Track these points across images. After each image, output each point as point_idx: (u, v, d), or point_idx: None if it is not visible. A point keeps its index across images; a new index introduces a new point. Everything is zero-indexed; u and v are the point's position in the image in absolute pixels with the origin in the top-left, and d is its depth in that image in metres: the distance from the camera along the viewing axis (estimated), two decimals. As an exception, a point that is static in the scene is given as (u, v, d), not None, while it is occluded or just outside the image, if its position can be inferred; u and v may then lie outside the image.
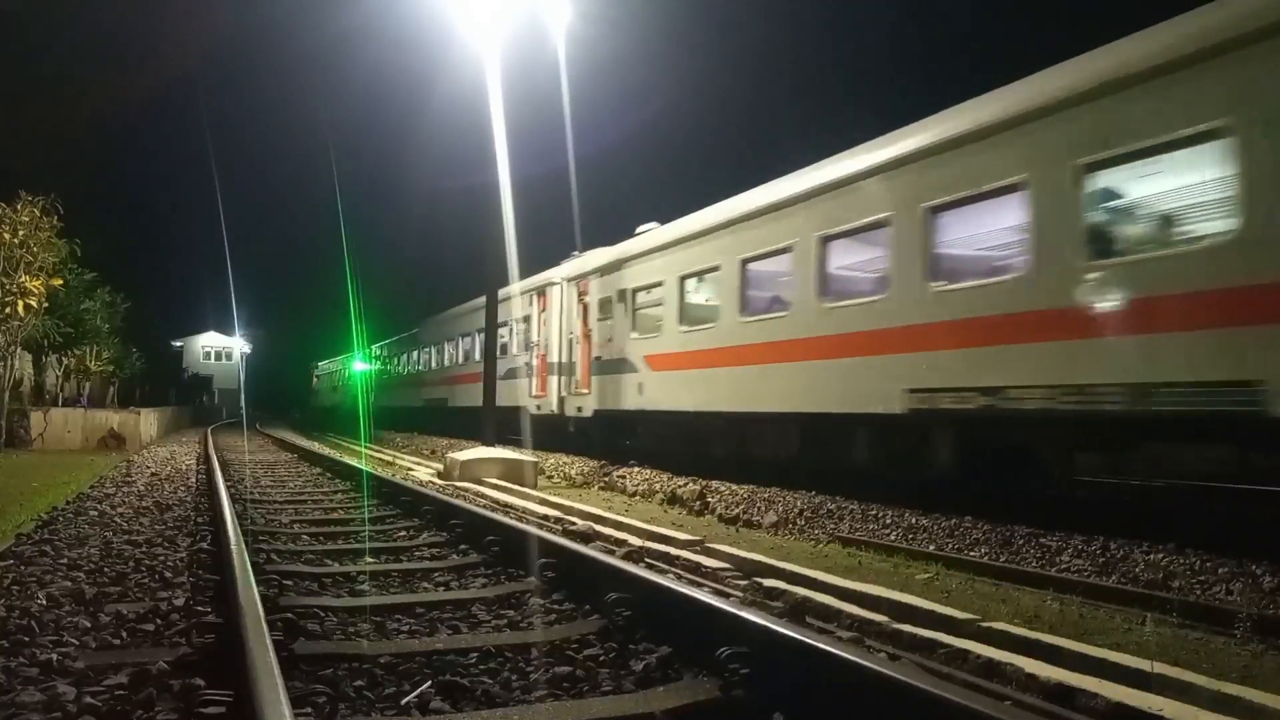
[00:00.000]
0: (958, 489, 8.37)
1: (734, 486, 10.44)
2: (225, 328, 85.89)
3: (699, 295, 13.34)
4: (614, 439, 15.58)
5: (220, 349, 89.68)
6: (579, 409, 16.46)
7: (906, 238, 8.73)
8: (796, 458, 10.78)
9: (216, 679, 2.94)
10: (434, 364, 29.34)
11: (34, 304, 18.47)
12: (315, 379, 66.73)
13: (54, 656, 3.26)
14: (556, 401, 17.36)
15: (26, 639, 3.52)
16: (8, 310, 17.95)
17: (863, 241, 9.83)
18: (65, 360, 26.44)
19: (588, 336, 16.25)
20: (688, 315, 13.03)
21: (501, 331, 20.82)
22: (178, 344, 78.88)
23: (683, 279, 13.06)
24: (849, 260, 10.35)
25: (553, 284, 18.08)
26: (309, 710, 2.80)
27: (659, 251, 13.87)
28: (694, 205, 14.49)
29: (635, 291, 14.51)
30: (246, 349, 78.32)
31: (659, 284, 13.70)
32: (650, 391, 13.72)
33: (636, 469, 13.04)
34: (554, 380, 17.50)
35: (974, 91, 8.66)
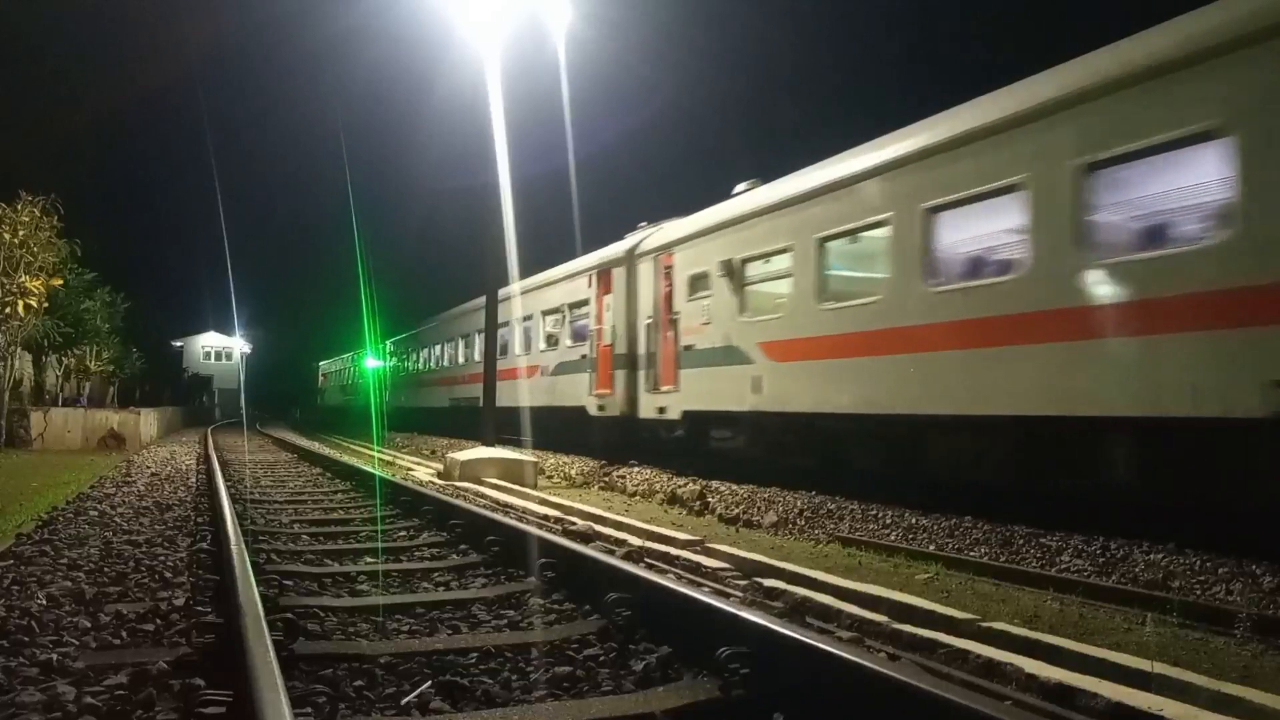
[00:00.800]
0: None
1: (734, 486, 10.43)
2: (225, 328, 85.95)
3: (848, 261, 10.41)
4: (710, 446, 12.66)
5: (220, 349, 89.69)
6: (660, 409, 13.41)
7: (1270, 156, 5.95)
8: (1014, 480, 8.05)
9: (216, 679, 2.94)
10: (461, 359, 25.44)
11: (34, 304, 18.50)
12: (322, 378, 64.55)
13: (54, 656, 3.26)
14: (625, 400, 14.48)
15: (26, 639, 3.53)
16: (8, 310, 17.97)
17: (1164, 167, 7.00)
18: (65, 360, 26.45)
19: (673, 321, 13.13)
20: (829, 289, 10.08)
21: (548, 320, 18.83)
22: (178, 344, 78.88)
23: (823, 241, 10.04)
24: (1135, 197, 7.45)
25: (619, 261, 15.15)
26: (309, 710, 2.80)
27: (783, 209, 10.87)
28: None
29: (745, 262, 11.56)
30: (246, 349, 78.35)
31: (784, 250, 10.73)
32: (771, 387, 10.84)
33: (636, 469, 13.03)
34: (621, 375, 14.67)
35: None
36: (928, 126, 8.97)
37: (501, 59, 13.49)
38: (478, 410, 22.62)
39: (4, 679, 3.01)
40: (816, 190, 10.32)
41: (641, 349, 14.20)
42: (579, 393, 16.29)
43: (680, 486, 10.94)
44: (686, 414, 12.75)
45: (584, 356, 16.30)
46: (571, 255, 18.24)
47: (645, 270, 14.25)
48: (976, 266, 8.66)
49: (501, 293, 20.91)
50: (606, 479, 12.87)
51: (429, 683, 3.14)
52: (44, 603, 4.18)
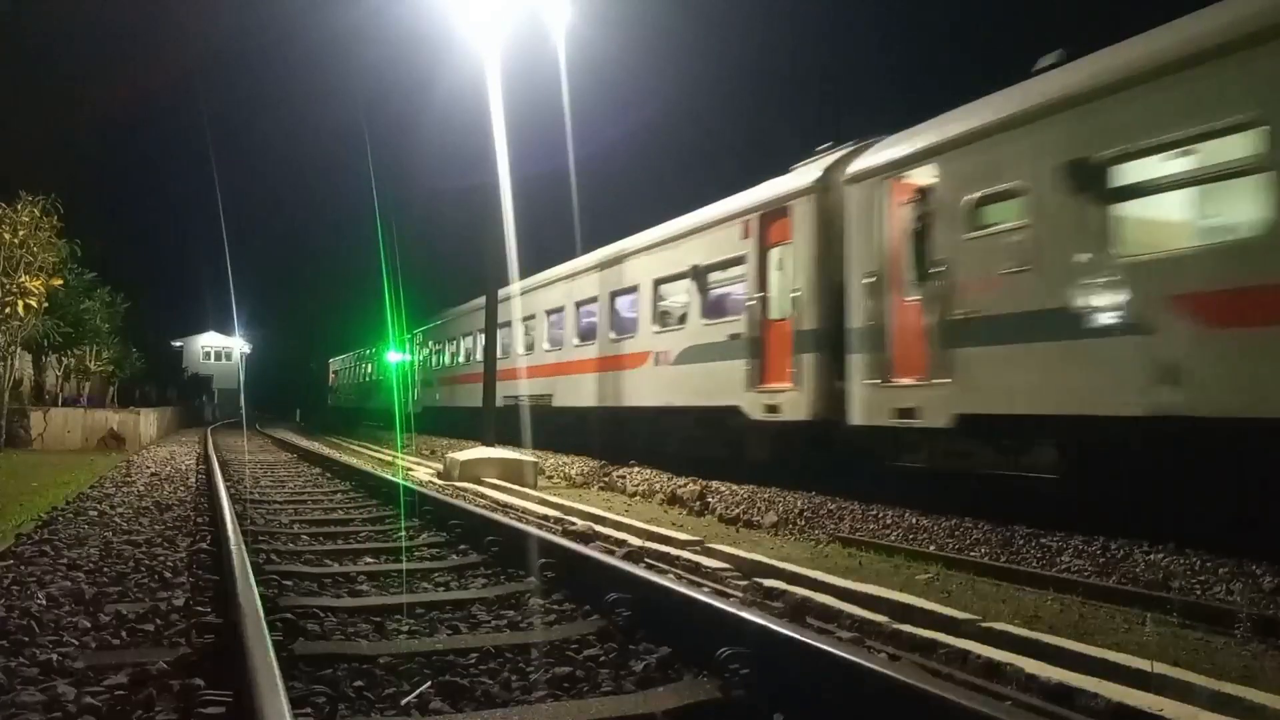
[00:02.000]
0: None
1: (734, 486, 10.43)
2: (225, 327, 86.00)
3: None
4: (1015, 477, 8.42)
5: (220, 349, 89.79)
6: (901, 411, 8.93)
7: None
8: None
9: (216, 679, 2.94)
10: (522, 347, 19.86)
11: (34, 304, 18.49)
12: (333, 375, 60.13)
13: (54, 656, 3.26)
14: (819, 397, 10.19)
15: (26, 639, 3.53)
16: (8, 310, 17.97)
17: None
18: (65, 360, 26.46)
19: (930, 275, 8.68)
20: None
21: (666, 290, 14.16)
22: (178, 344, 78.91)
23: None
24: None
25: (803, 194, 10.72)
26: (309, 710, 2.80)
27: (1232, 54, 6.11)
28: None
29: (1118, 161, 6.94)
30: (246, 349, 78.33)
31: (1236, 126, 6.13)
32: (1212, 373, 6.26)
33: (636, 469, 13.02)
34: (810, 361, 10.33)
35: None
36: None
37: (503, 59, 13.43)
38: (555, 413, 17.78)
39: (4, 679, 3.01)
40: None
41: (855, 321, 9.65)
42: (729, 387, 11.80)
43: (680, 487, 10.94)
44: (964, 420, 8.27)
45: (734, 337, 11.89)
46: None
47: (860, 202, 9.74)
48: None
49: (585, 260, 17.04)
50: (606, 479, 12.87)
51: (429, 683, 3.14)
52: (44, 603, 4.18)
